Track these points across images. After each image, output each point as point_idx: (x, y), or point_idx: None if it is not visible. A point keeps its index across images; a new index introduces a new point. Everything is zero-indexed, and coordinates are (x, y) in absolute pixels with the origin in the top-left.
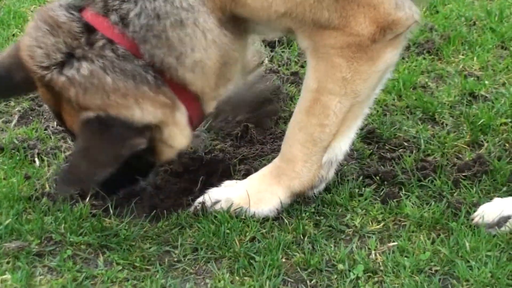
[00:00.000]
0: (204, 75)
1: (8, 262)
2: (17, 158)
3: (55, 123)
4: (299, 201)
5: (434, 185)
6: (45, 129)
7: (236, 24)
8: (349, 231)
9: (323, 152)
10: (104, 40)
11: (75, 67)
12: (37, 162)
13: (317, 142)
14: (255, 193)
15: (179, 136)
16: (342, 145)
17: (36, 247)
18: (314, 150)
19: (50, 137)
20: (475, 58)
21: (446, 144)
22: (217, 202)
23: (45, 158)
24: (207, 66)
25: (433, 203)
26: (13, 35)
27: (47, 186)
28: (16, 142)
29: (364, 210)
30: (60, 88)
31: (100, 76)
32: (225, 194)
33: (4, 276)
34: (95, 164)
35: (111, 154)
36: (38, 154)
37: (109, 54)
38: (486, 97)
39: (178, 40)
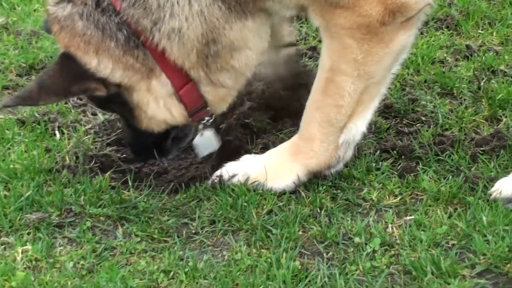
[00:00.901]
0: (183, 47)
1: (29, 233)
2: (38, 131)
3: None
4: (316, 175)
5: (452, 159)
6: (66, 103)
7: (251, 8)
8: (366, 204)
9: (340, 132)
10: None
11: (62, 7)
12: (58, 135)
13: (333, 122)
14: (273, 168)
15: (153, 105)
16: (359, 126)
17: (56, 218)
18: (330, 130)
19: (71, 111)
20: (494, 33)
21: (464, 119)
22: (234, 176)
23: (66, 131)
24: (187, 36)
25: (450, 177)
26: (35, 10)
27: (67, 158)
28: (37, 115)
29: (381, 184)
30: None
31: (74, 20)
32: (243, 168)
33: (25, 247)
34: (44, 89)
35: (61, 85)
36: (58, 127)
37: (89, 3)
38: (506, 72)
39: (156, 4)
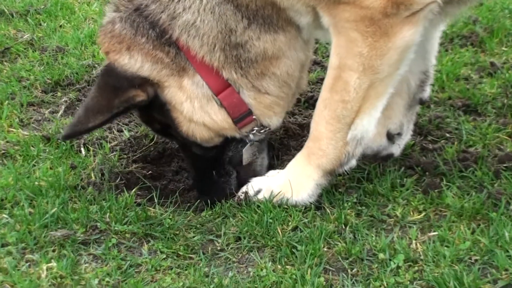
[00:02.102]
0: (202, 42)
1: (54, 250)
2: (63, 148)
3: None
4: (341, 191)
5: (475, 175)
6: None
7: (276, 21)
8: (390, 221)
9: (347, 129)
10: None
11: (108, 15)
12: (83, 152)
13: (340, 118)
14: (294, 179)
15: (187, 105)
16: (365, 123)
17: (82, 235)
18: (338, 127)
19: None
20: None
21: (487, 136)
22: (259, 191)
23: (91, 148)
24: (202, 31)
25: (473, 193)
26: (60, 26)
27: (92, 175)
28: (62, 132)
29: (405, 200)
30: None
31: (115, 23)
32: (267, 184)
33: (50, 264)
34: (89, 110)
35: (103, 102)
36: (84, 144)
37: (130, 7)
38: None
39: None
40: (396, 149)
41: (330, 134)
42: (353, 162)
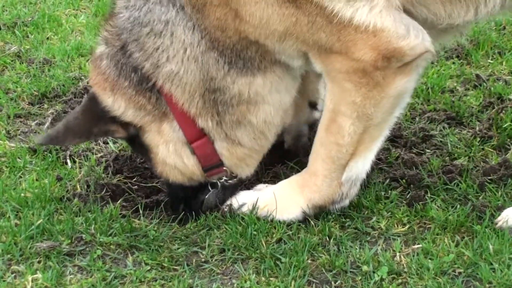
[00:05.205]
0: (184, 91)
1: (39, 262)
2: (49, 159)
3: None
4: (322, 209)
5: (460, 188)
6: None
7: (258, 63)
8: (375, 233)
9: (342, 170)
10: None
11: (99, 47)
12: (69, 164)
13: (335, 160)
14: (282, 199)
15: (163, 148)
16: (360, 165)
17: (67, 247)
18: (332, 167)
19: None
20: (504, 62)
21: (473, 148)
22: (243, 205)
23: (77, 160)
24: (185, 80)
25: (458, 206)
26: (47, 38)
27: (78, 187)
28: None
29: (389, 213)
30: None
31: (102, 59)
32: (252, 198)
33: (35, 275)
34: (69, 130)
35: (84, 127)
36: (70, 156)
37: (117, 44)
38: None
39: (153, 48)
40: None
41: (325, 172)
42: (346, 202)
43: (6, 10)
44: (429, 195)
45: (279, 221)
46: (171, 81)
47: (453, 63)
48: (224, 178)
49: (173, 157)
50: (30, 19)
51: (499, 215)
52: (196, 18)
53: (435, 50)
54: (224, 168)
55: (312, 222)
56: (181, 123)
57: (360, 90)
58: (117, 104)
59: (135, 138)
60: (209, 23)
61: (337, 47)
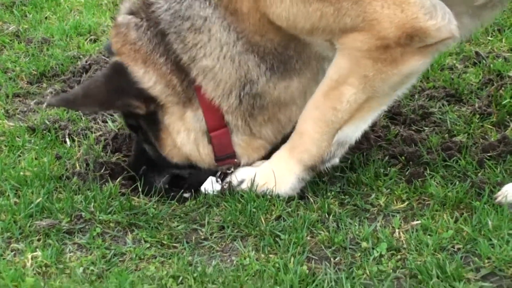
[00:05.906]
0: (217, 86)
1: (39, 240)
2: (49, 138)
3: None
4: (324, 181)
5: (459, 165)
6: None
7: (294, 64)
8: (374, 210)
9: (334, 133)
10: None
11: (124, 16)
12: (68, 143)
13: (329, 123)
14: (277, 171)
15: (183, 135)
16: (351, 132)
17: (66, 225)
18: (325, 130)
19: (81, 118)
20: (503, 39)
21: (472, 125)
22: (242, 181)
23: (76, 139)
24: (219, 77)
25: (457, 182)
26: (46, 17)
27: (77, 165)
28: (48, 123)
29: (389, 190)
30: None
31: (130, 28)
32: (250, 174)
33: (35, 253)
34: (90, 97)
35: (106, 97)
36: (69, 134)
37: (150, 17)
38: None
39: (192, 42)
40: None
41: (316, 134)
42: (336, 161)
43: None
44: (428, 171)
45: (279, 197)
46: (205, 75)
47: None
48: (232, 169)
49: (191, 145)
50: None
51: (498, 191)
52: (230, 19)
53: (471, 33)
54: (235, 160)
55: (311, 199)
56: (207, 115)
57: (377, 65)
58: (148, 76)
59: (149, 117)
60: (246, 28)
61: (361, 27)
